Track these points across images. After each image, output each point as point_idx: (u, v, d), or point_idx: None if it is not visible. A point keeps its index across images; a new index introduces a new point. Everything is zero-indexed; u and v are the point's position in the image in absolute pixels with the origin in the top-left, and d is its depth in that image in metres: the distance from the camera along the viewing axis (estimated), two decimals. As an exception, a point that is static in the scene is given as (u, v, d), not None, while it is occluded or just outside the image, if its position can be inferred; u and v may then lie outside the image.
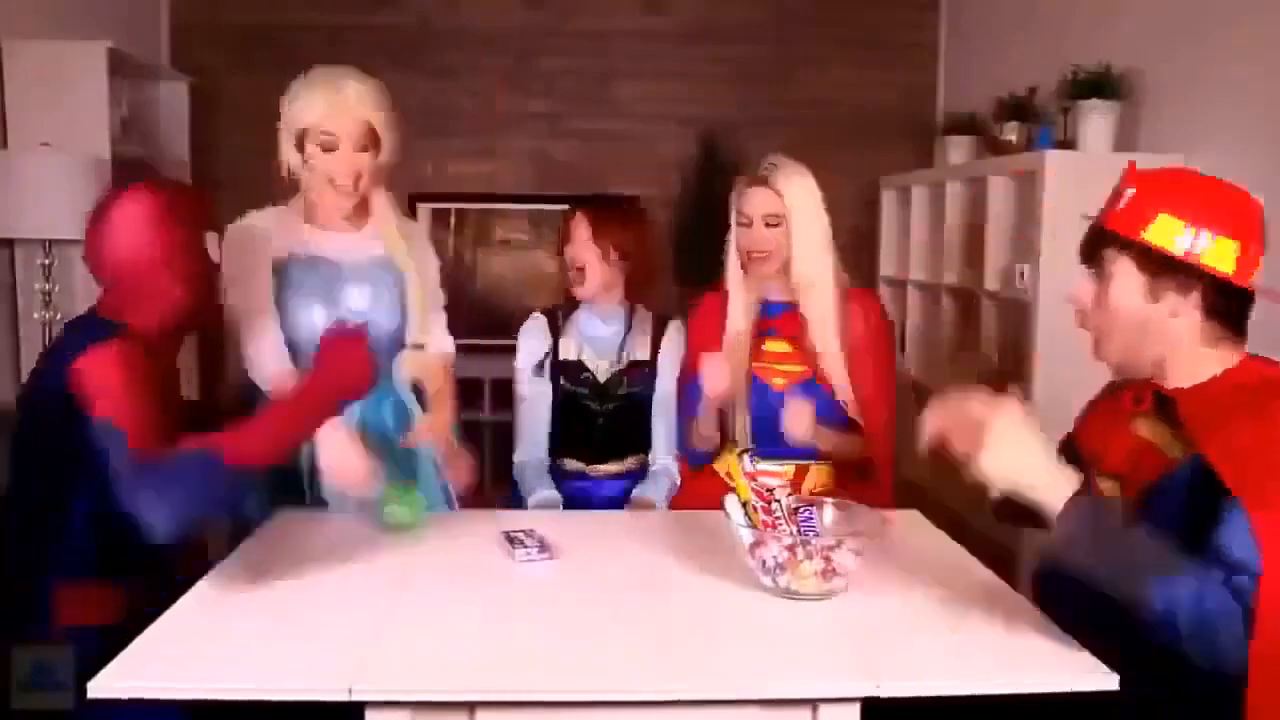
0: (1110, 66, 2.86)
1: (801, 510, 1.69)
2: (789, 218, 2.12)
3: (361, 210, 2.12)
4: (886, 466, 2.21)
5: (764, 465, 1.89)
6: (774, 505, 1.67)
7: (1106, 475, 1.54)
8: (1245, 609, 1.25)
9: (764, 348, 2.20)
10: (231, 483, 1.49)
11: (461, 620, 1.50)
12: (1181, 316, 1.42)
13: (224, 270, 1.89)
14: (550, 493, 2.22)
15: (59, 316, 3.13)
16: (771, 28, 4.48)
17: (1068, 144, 3.01)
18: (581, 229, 2.24)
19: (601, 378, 2.29)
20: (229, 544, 1.80)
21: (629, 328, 2.31)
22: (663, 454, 2.31)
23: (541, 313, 2.36)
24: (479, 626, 1.47)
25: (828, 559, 1.52)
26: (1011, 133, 3.39)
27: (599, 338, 2.31)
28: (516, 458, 2.32)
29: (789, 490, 1.73)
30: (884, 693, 1.30)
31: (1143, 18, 2.99)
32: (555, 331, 2.31)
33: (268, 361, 1.99)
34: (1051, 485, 1.34)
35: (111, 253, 1.64)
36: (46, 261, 3.10)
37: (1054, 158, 2.85)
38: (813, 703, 1.32)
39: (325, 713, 1.27)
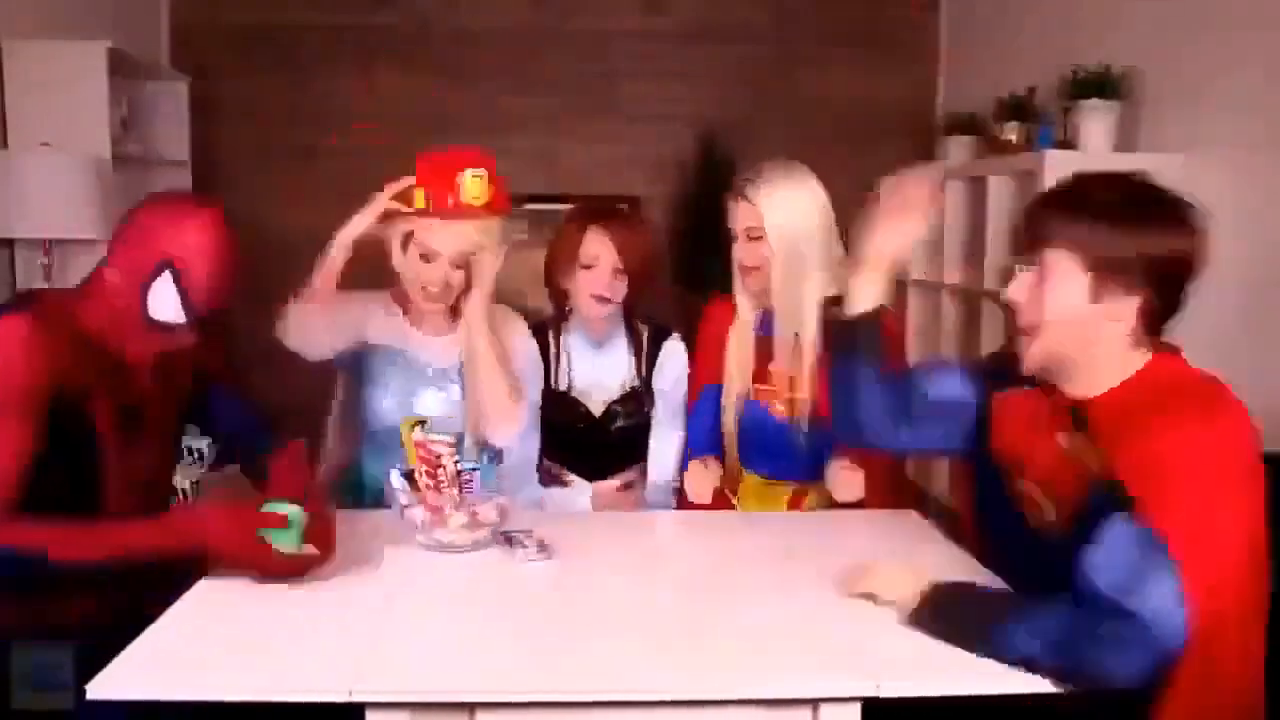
0: (1110, 66, 2.86)
1: (465, 473, 1.79)
2: (768, 235, 2.03)
3: (458, 310, 2.10)
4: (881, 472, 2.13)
5: (436, 436, 1.82)
6: (439, 470, 1.76)
7: (1037, 483, 1.52)
8: (1093, 625, 1.28)
9: (769, 367, 2.12)
10: (42, 578, 1.38)
11: (461, 621, 1.50)
12: (1119, 320, 1.41)
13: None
14: (533, 490, 2.19)
15: (59, 316, 3.13)
16: (771, 28, 4.48)
17: (1068, 144, 3.01)
18: (602, 247, 2.11)
19: (597, 411, 2.21)
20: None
21: (628, 350, 2.22)
22: (660, 476, 2.23)
23: (532, 332, 2.23)
24: (479, 627, 1.47)
25: (473, 513, 1.74)
26: (1011, 133, 3.39)
27: (595, 367, 2.21)
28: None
29: (455, 456, 1.79)
30: (884, 693, 1.30)
31: (1143, 18, 2.99)
32: (545, 354, 2.21)
33: (309, 333, 2.00)
34: (892, 599, 1.49)
35: (116, 230, 1.62)
36: (46, 261, 3.10)
37: (1054, 158, 2.85)
38: (813, 703, 1.32)
39: (325, 713, 1.27)
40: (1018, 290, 1.48)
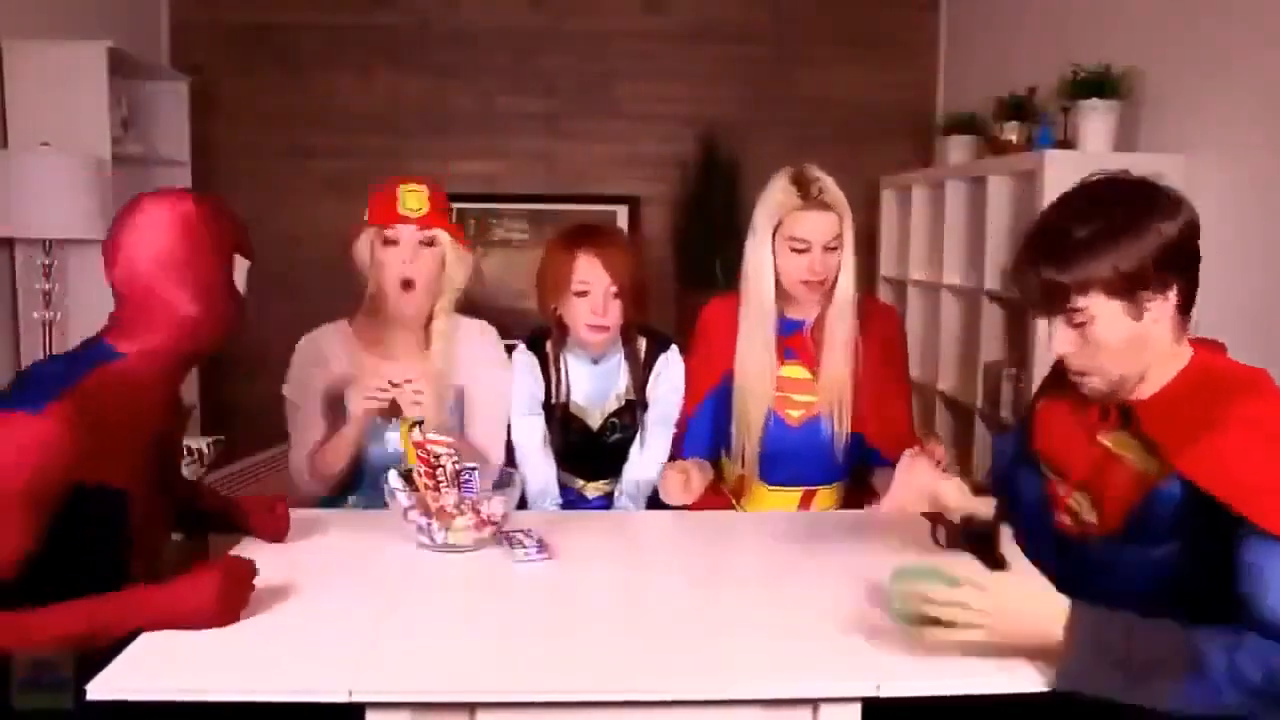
0: (1110, 66, 2.86)
1: (464, 473, 1.79)
2: (845, 243, 2.03)
3: (427, 333, 2.12)
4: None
5: (435, 435, 1.83)
6: (438, 471, 1.76)
7: (1075, 486, 1.53)
8: None
9: (781, 372, 2.10)
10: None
11: (461, 621, 1.50)
12: (1161, 321, 1.41)
13: (288, 377, 2.03)
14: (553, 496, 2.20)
15: (59, 316, 3.13)
16: (771, 28, 4.48)
17: (1068, 144, 3.01)
18: (594, 273, 2.06)
19: (594, 424, 2.19)
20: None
21: (625, 364, 2.19)
22: (641, 475, 2.20)
23: (528, 346, 2.21)
24: (478, 627, 1.47)
25: (478, 512, 1.73)
26: (1011, 133, 3.38)
27: (592, 383, 2.19)
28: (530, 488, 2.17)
29: (454, 456, 1.79)
30: (884, 693, 1.30)
31: (1143, 17, 2.98)
32: (545, 369, 2.18)
33: (304, 469, 2.08)
34: (1049, 620, 1.30)
35: (123, 260, 1.52)
36: (46, 261, 3.10)
37: (1054, 158, 2.85)
38: (813, 703, 1.32)
39: (325, 713, 1.27)
40: (1063, 345, 1.45)
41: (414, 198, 2.03)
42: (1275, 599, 1.26)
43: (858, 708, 1.32)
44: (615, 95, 4.48)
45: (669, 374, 2.22)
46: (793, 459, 2.12)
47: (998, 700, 1.32)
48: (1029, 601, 1.34)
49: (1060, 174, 2.80)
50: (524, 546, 1.74)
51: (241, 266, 1.60)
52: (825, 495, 2.17)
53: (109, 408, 1.45)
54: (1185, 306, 1.43)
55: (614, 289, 2.06)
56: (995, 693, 1.32)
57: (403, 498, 1.77)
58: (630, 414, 2.20)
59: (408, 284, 2.04)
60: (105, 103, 3.24)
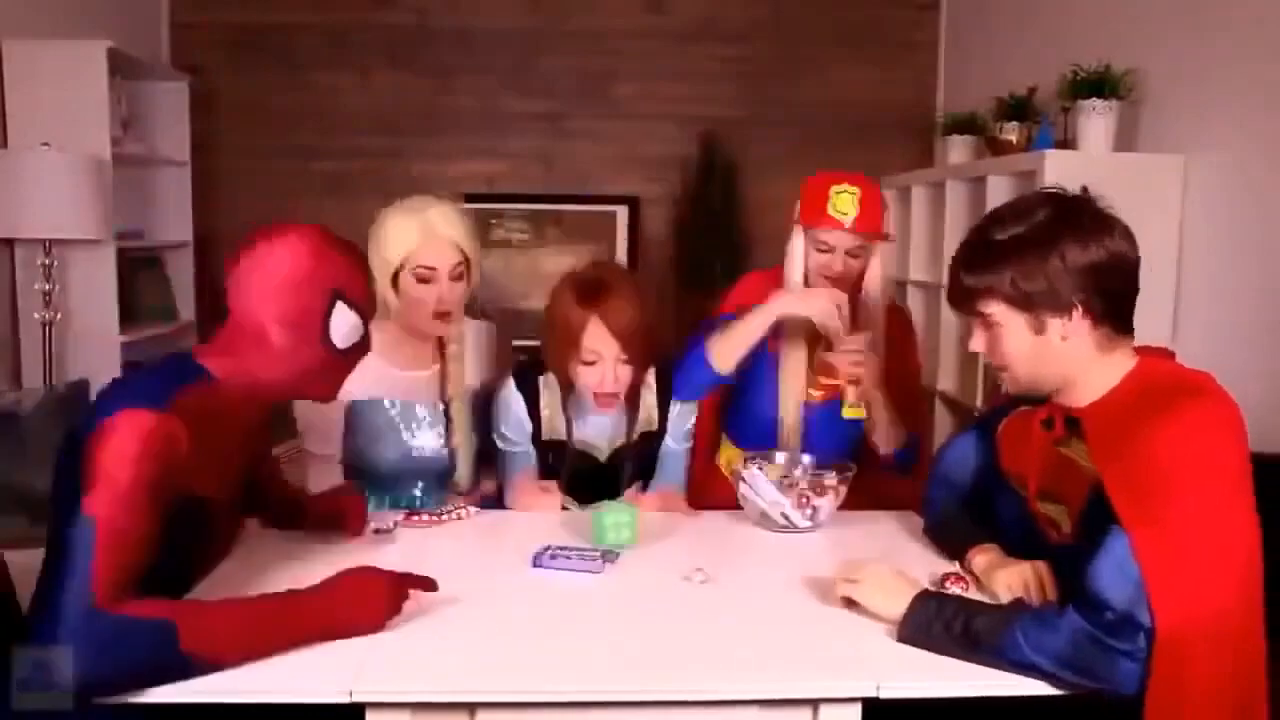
0: (1110, 66, 2.86)
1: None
2: (874, 252, 2.14)
3: (433, 341, 2.13)
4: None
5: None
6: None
7: (1045, 499, 1.53)
8: (1114, 636, 1.27)
9: (819, 360, 2.14)
10: (178, 668, 1.27)
11: (461, 621, 1.50)
12: (1071, 338, 1.42)
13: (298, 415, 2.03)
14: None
15: (59, 316, 3.14)
16: (771, 28, 4.48)
17: (1068, 144, 3.01)
18: (604, 343, 1.97)
19: (603, 457, 2.14)
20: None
21: (634, 407, 2.13)
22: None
23: (516, 386, 2.12)
24: (479, 627, 1.47)
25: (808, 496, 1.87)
26: (1011, 133, 3.38)
27: (600, 421, 2.12)
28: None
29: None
30: (884, 693, 1.30)
31: (1143, 17, 2.98)
32: (534, 407, 2.11)
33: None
34: (891, 607, 1.44)
35: (234, 280, 1.50)
36: (46, 261, 3.10)
37: (1054, 158, 2.85)
38: (813, 703, 1.32)
39: (325, 713, 1.27)
40: (976, 344, 1.52)
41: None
42: (1095, 573, 1.31)
43: (858, 708, 1.32)
44: (615, 95, 4.49)
45: (680, 422, 2.20)
46: (805, 436, 2.17)
47: (997, 701, 1.32)
48: (892, 581, 1.49)
49: (1060, 174, 2.78)
50: (591, 559, 1.72)
51: (343, 315, 1.53)
52: None
53: (204, 426, 1.43)
54: (1112, 325, 1.42)
55: (624, 358, 1.99)
56: (995, 693, 1.32)
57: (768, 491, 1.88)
58: (644, 443, 2.17)
59: (443, 315, 2.05)
60: (105, 103, 3.25)
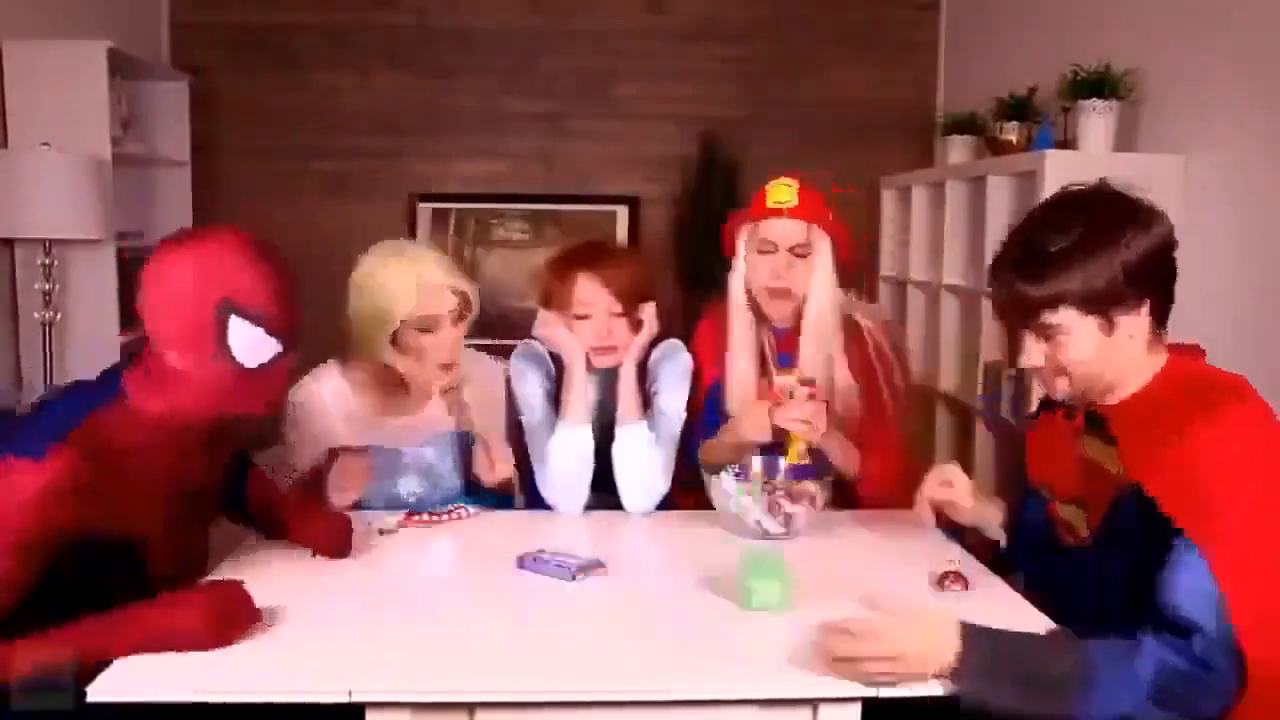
0: (1110, 66, 2.86)
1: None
2: (816, 251, 2.04)
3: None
4: (890, 482, 2.11)
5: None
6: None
7: (1066, 503, 1.53)
8: (1205, 664, 1.23)
9: (776, 380, 2.06)
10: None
11: (461, 620, 1.50)
12: (1136, 335, 1.40)
13: (286, 432, 1.98)
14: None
15: (58, 316, 3.13)
16: (771, 28, 4.48)
17: (1068, 144, 3.01)
18: (595, 294, 2.01)
19: (598, 435, 2.09)
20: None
21: (644, 369, 2.11)
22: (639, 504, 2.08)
23: (538, 344, 2.13)
24: (478, 627, 1.47)
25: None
26: (1011, 133, 3.38)
27: (595, 395, 2.11)
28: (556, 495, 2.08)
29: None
30: (884, 693, 1.30)
31: (1143, 17, 2.98)
32: (548, 374, 2.12)
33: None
34: (931, 670, 1.28)
35: (144, 309, 1.41)
36: (46, 261, 3.10)
37: (1054, 158, 2.85)
38: (813, 703, 1.32)
39: (325, 713, 1.27)
40: (1032, 358, 1.45)
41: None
42: (1175, 595, 1.27)
43: (858, 708, 1.32)
44: (615, 95, 4.49)
45: (675, 369, 2.15)
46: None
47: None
48: (924, 634, 1.29)
49: (1060, 174, 2.80)
50: (568, 567, 1.69)
51: (240, 329, 1.39)
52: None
53: (116, 451, 1.38)
54: (1160, 319, 1.42)
55: (617, 308, 2.02)
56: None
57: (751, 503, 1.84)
58: (651, 411, 2.14)
59: (448, 366, 2.02)
60: (105, 103, 3.25)
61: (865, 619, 1.33)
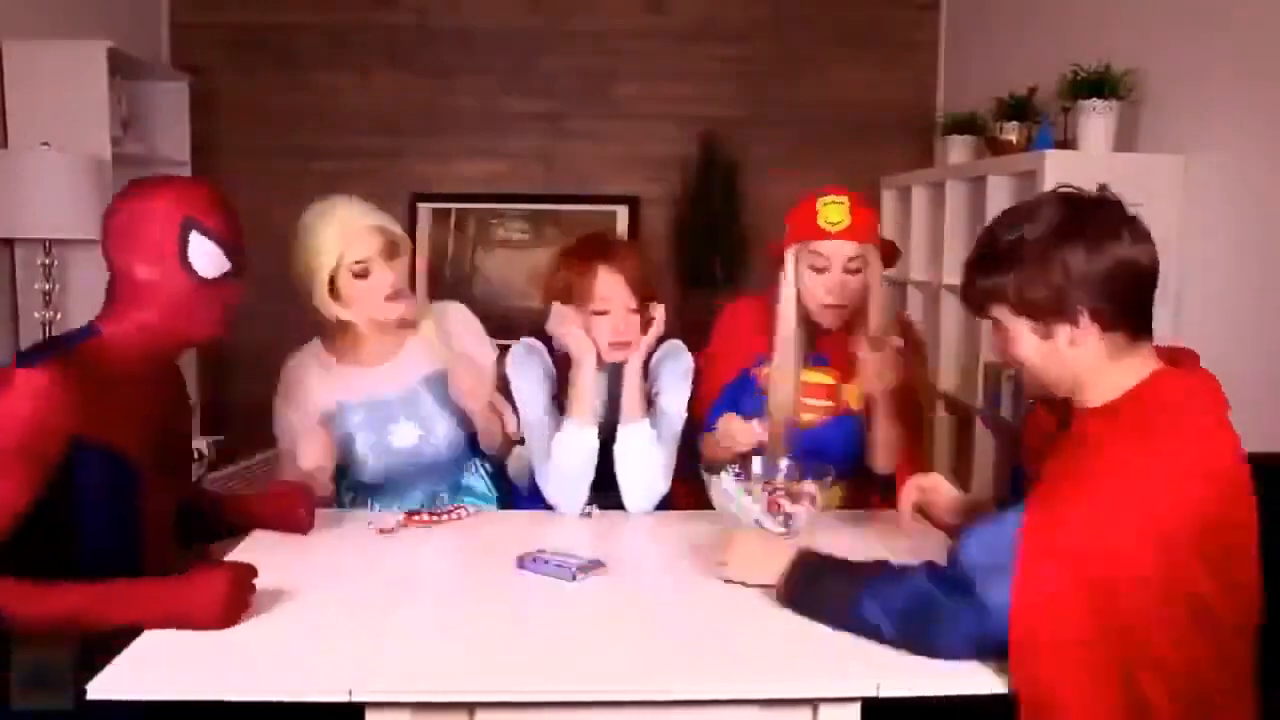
0: (1110, 66, 2.86)
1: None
2: (871, 265, 2.02)
3: (396, 333, 2.11)
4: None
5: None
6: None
7: None
8: (940, 594, 1.33)
9: (804, 377, 2.08)
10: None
11: (461, 620, 1.50)
12: (1080, 344, 1.39)
13: (276, 423, 2.05)
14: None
15: (59, 316, 3.14)
16: (771, 28, 4.48)
17: (1068, 144, 3.01)
18: (615, 290, 2.02)
19: (602, 434, 2.08)
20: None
21: (637, 374, 2.09)
22: (640, 503, 2.09)
23: (537, 341, 2.14)
24: (479, 627, 1.47)
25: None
26: (1011, 133, 3.38)
27: (599, 391, 2.11)
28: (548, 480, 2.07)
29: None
30: (884, 693, 1.30)
31: (1143, 17, 2.98)
32: (555, 358, 2.13)
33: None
34: (769, 573, 1.55)
35: (101, 240, 1.58)
36: (46, 261, 3.11)
37: (1054, 158, 2.85)
38: (813, 703, 1.32)
39: (325, 713, 1.27)
40: (993, 347, 1.54)
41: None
42: (974, 531, 1.36)
43: (857, 708, 1.32)
44: (615, 95, 4.48)
45: (676, 368, 2.15)
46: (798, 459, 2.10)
47: (998, 700, 1.32)
48: (763, 554, 1.59)
49: (1060, 174, 2.78)
50: (568, 567, 1.69)
51: (200, 244, 1.57)
52: (832, 491, 2.16)
53: (99, 375, 1.50)
54: (1126, 330, 1.38)
55: (633, 303, 2.03)
56: (995, 693, 1.32)
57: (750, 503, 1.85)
58: (654, 409, 2.14)
59: (392, 297, 2.03)
60: (105, 103, 3.25)
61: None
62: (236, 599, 1.44)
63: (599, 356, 2.06)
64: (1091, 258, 1.34)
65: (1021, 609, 1.28)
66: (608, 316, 2.03)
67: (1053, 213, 1.39)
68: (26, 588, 1.36)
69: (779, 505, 1.83)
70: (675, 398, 2.13)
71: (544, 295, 2.10)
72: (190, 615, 1.40)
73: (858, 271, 2.04)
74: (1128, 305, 1.38)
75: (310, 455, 1.92)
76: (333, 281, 2.00)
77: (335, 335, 2.10)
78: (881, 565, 1.49)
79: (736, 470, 1.92)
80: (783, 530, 1.83)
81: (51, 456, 1.42)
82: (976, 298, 1.46)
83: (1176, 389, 1.40)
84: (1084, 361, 1.40)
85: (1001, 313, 1.43)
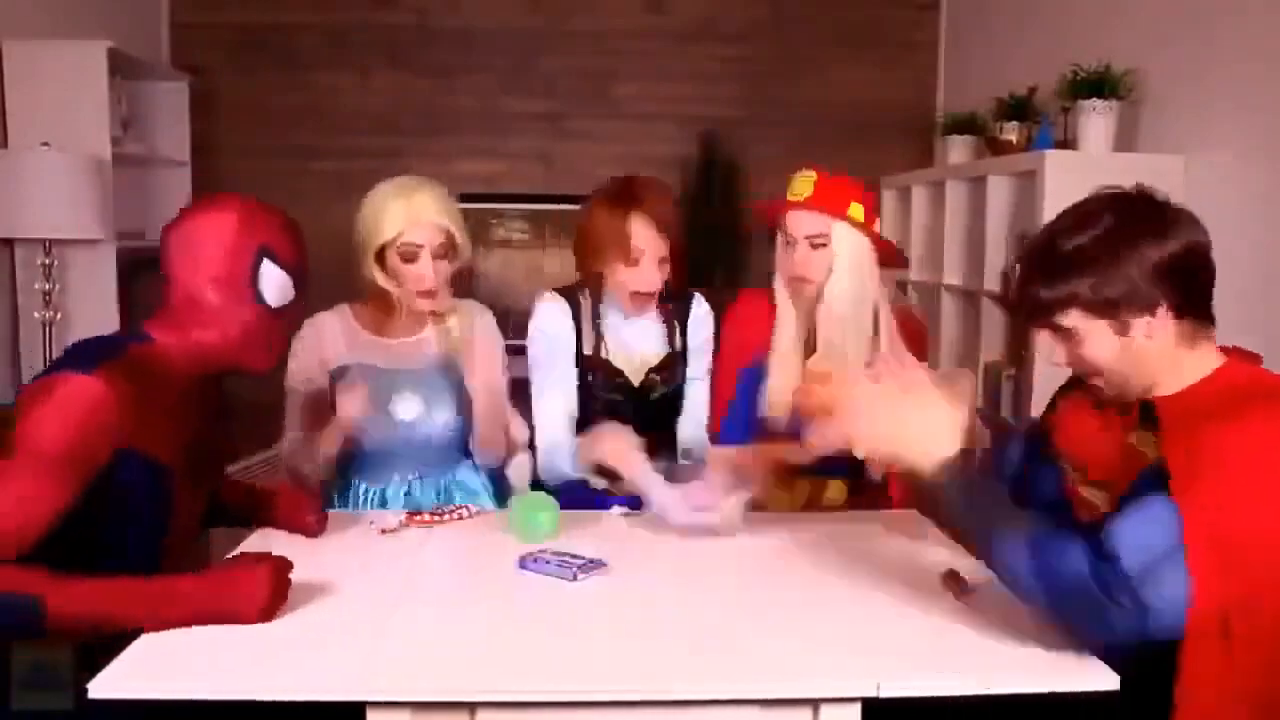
0: (1110, 66, 2.86)
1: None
2: (835, 242, 2.00)
3: (424, 317, 2.17)
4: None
5: None
6: None
7: (1094, 484, 1.53)
8: (1100, 592, 1.27)
9: (809, 364, 2.07)
10: (37, 635, 1.32)
11: (462, 620, 1.50)
12: (1156, 335, 1.40)
13: (289, 363, 2.06)
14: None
15: (59, 316, 3.14)
16: (771, 28, 4.48)
17: (1068, 144, 3.01)
18: (649, 241, 2.05)
19: (636, 380, 2.16)
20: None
21: (659, 320, 2.19)
22: (696, 431, 2.21)
23: (560, 293, 2.19)
24: (479, 627, 1.47)
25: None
26: (1011, 133, 3.39)
27: (628, 339, 2.17)
28: (542, 444, 2.14)
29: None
30: (884, 693, 1.30)
31: (1143, 17, 2.99)
32: (577, 319, 2.16)
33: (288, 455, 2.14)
34: (924, 453, 1.42)
35: (163, 250, 1.59)
36: (46, 261, 3.11)
37: (1054, 158, 2.85)
38: (813, 703, 1.32)
39: (325, 713, 1.27)
40: (1056, 357, 1.48)
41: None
42: (1123, 522, 1.30)
43: (857, 708, 1.32)
44: (615, 95, 4.49)
45: (701, 325, 2.23)
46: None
47: (998, 700, 1.32)
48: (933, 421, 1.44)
49: (1060, 174, 2.81)
50: (572, 565, 1.69)
51: (271, 273, 1.59)
52: (836, 487, 2.16)
53: (148, 383, 1.50)
54: (1195, 317, 1.40)
55: (665, 255, 2.07)
56: (995, 692, 1.32)
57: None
58: (669, 370, 2.19)
59: (427, 294, 2.08)
60: (105, 103, 3.25)
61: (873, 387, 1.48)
62: (280, 592, 1.45)
63: (629, 307, 2.11)
64: (1163, 246, 1.36)
65: (1199, 599, 1.26)
66: (639, 266, 2.06)
67: (1110, 211, 1.40)
68: (66, 579, 1.33)
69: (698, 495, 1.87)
70: (704, 358, 2.22)
71: (578, 243, 2.16)
72: (236, 610, 1.40)
73: (823, 246, 2.01)
74: (1197, 289, 1.40)
75: (349, 404, 1.98)
76: (382, 251, 2.05)
77: (368, 303, 2.16)
78: (1037, 518, 1.40)
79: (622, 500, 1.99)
80: (715, 520, 1.86)
81: (98, 462, 1.42)
82: (1043, 308, 1.43)
83: (1257, 372, 1.44)
84: (1159, 353, 1.41)
85: (1073, 318, 1.41)
